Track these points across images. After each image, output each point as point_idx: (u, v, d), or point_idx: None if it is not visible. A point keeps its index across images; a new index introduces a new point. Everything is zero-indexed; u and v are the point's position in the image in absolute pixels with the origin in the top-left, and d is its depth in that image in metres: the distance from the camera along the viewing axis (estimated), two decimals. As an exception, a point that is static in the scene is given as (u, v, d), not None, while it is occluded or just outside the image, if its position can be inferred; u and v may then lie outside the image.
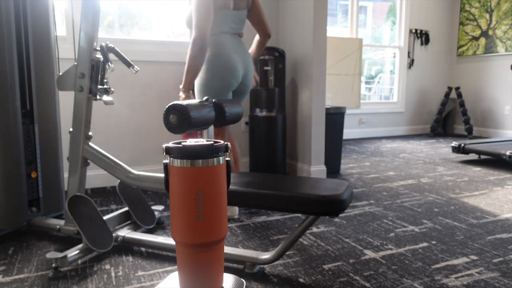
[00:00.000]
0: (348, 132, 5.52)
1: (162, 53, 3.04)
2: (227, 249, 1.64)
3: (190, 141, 0.96)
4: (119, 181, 2.02)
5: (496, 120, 5.61)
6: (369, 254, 1.77)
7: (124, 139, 2.99)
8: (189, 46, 1.94)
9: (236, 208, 2.27)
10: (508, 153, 3.46)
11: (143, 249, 1.83)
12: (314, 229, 2.08)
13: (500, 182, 3.06)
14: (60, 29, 2.78)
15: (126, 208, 2.04)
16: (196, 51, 1.92)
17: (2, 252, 1.79)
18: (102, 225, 1.76)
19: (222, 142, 0.98)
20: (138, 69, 1.81)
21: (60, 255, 1.57)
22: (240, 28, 2.20)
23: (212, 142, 0.96)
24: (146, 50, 3.02)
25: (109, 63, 1.80)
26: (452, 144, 3.95)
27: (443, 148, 4.74)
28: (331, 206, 1.36)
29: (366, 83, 6.32)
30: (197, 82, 2.10)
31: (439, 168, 3.59)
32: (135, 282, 1.52)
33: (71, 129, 1.84)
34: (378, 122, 5.77)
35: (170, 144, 0.96)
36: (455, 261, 1.70)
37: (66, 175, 2.69)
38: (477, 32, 5.74)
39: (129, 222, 2.04)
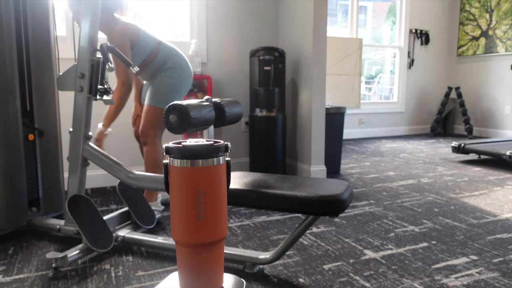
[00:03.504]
0: (348, 132, 5.52)
1: (162, 53, 3.04)
2: (227, 249, 1.64)
3: (190, 141, 0.96)
4: (119, 181, 2.02)
5: (496, 120, 5.61)
6: (369, 254, 1.77)
7: (124, 139, 2.99)
8: None
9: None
10: (508, 153, 3.46)
11: (143, 249, 1.83)
12: (314, 229, 2.08)
13: (500, 182, 3.06)
14: (60, 29, 2.78)
15: (126, 208, 2.04)
16: None
17: (2, 252, 1.79)
18: (102, 225, 1.76)
19: (222, 142, 0.98)
20: (138, 69, 1.81)
21: (60, 255, 1.57)
22: None
23: (212, 142, 0.96)
24: (146, 50, 3.01)
25: (109, 63, 1.80)
26: (452, 144, 3.95)
27: (443, 148, 4.74)
28: (331, 206, 1.36)
29: (366, 83, 6.32)
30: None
31: (439, 168, 3.59)
32: (135, 282, 1.52)
33: (71, 129, 1.84)
34: (378, 122, 5.77)
35: (170, 144, 0.96)
36: (455, 261, 1.70)
37: (66, 175, 2.69)
38: (477, 32, 5.74)
39: (129, 222, 2.04)
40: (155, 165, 2.29)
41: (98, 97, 1.82)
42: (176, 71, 2.30)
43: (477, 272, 1.60)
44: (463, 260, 1.71)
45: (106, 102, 1.82)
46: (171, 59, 2.31)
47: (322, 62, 2.97)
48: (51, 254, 1.57)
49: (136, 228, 2.02)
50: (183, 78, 2.33)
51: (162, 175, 1.67)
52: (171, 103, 1.41)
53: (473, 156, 4.17)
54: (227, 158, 1.00)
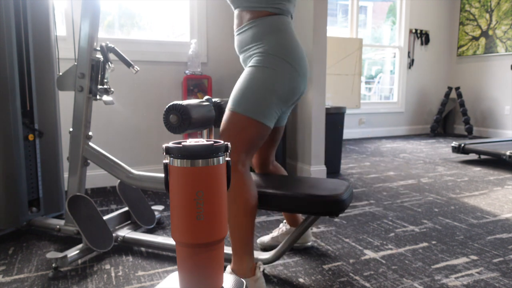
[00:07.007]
0: (348, 132, 5.52)
1: (162, 53, 3.04)
2: (227, 249, 1.64)
3: (190, 141, 0.96)
4: (119, 181, 2.02)
5: (496, 120, 5.61)
6: (369, 254, 1.77)
7: (124, 139, 2.99)
8: None
9: (309, 234, 1.85)
10: (508, 153, 3.46)
11: (143, 249, 1.83)
12: (314, 229, 2.08)
13: (500, 182, 3.06)
14: (60, 29, 2.78)
15: (126, 208, 2.04)
16: None
17: (2, 252, 1.79)
18: (102, 225, 1.76)
19: (222, 142, 0.98)
20: (138, 69, 1.81)
21: (60, 255, 1.57)
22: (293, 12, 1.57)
23: (212, 142, 0.96)
24: (146, 50, 3.02)
25: (109, 63, 1.80)
26: (452, 144, 3.95)
27: (443, 148, 4.74)
28: (331, 206, 1.36)
29: (366, 83, 6.32)
30: (250, 82, 1.39)
31: (439, 168, 3.59)
32: (135, 282, 1.52)
33: (71, 129, 1.84)
34: (378, 122, 5.77)
35: (170, 144, 0.96)
36: (455, 261, 1.70)
37: (66, 175, 2.69)
38: (477, 32, 5.74)
39: (129, 222, 2.04)
40: (241, 209, 1.39)
41: (98, 97, 1.82)
42: (277, 56, 1.39)
43: (477, 272, 1.60)
44: (463, 260, 1.71)
45: (106, 102, 1.82)
46: (270, 37, 1.42)
47: (322, 62, 2.97)
48: (51, 254, 1.57)
49: (136, 228, 2.02)
50: (287, 70, 1.40)
51: (162, 175, 1.67)
52: (171, 103, 1.41)
53: (473, 156, 4.17)
54: (227, 158, 1.00)
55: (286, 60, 1.39)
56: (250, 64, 1.43)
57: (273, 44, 1.40)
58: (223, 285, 1.03)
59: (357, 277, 1.56)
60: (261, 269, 1.42)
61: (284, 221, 1.88)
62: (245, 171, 1.40)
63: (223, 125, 1.44)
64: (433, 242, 1.91)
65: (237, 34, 1.50)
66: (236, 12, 1.50)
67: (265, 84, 1.37)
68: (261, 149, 1.69)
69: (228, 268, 1.42)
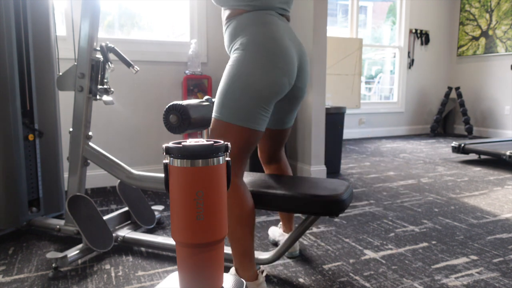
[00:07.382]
0: (348, 132, 5.52)
1: (162, 53, 3.05)
2: (227, 249, 1.64)
3: (190, 141, 0.96)
4: (119, 181, 2.02)
5: (496, 120, 5.61)
6: (369, 254, 1.77)
7: (124, 139, 2.99)
8: None
9: (297, 245, 1.80)
10: (508, 153, 3.46)
11: (143, 249, 1.83)
12: (314, 229, 2.08)
13: (500, 182, 3.06)
14: (60, 29, 2.78)
15: (126, 208, 2.04)
16: None
17: (2, 252, 1.79)
18: (102, 225, 1.76)
19: (222, 142, 0.98)
20: (138, 69, 1.81)
21: (60, 255, 1.57)
22: (289, 8, 1.48)
23: (212, 142, 0.96)
24: (146, 50, 3.02)
25: (109, 63, 1.80)
26: (452, 144, 3.95)
27: (443, 148, 4.74)
28: (331, 206, 1.36)
29: (366, 83, 6.31)
30: (228, 83, 1.33)
31: (439, 168, 3.59)
32: (135, 282, 1.52)
33: (71, 129, 1.84)
34: (378, 122, 5.77)
35: (170, 144, 0.96)
36: (455, 261, 1.70)
37: (66, 175, 2.69)
38: (477, 32, 5.74)
39: (129, 222, 2.04)
40: (233, 219, 1.35)
41: (98, 97, 1.82)
42: (250, 51, 1.32)
43: (477, 272, 1.60)
44: (463, 260, 1.71)
45: (106, 102, 1.82)
46: (249, 29, 1.35)
47: (322, 62, 2.97)
48: (51, 254, 1.57)
49: (136, 228, 2.02)
50: (264, 64, 1.30)
51: (162, 175, 1.67)
52: (171, 103, 1.40)
53: (473, 156, 4.17)
54: (227, 158, 1.00)
55: (263, 55, 1.30)
56: (228, 63, 1.36)
57: (246, 41, 1.32)
58: (223, 285, 1.03)
59: (357, 277, 1.56)
60: (264, 274, 1.39)
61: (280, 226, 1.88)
62: (239, 182, 1.36)
63: (210, 132, 1.39)
64: (433, 242, 1.91)
65: (224, 34, 1.46)
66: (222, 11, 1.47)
67: (241, 84, 1.29)
68: (267, 147, 1.65)
69: (232, 270, 1.43)
